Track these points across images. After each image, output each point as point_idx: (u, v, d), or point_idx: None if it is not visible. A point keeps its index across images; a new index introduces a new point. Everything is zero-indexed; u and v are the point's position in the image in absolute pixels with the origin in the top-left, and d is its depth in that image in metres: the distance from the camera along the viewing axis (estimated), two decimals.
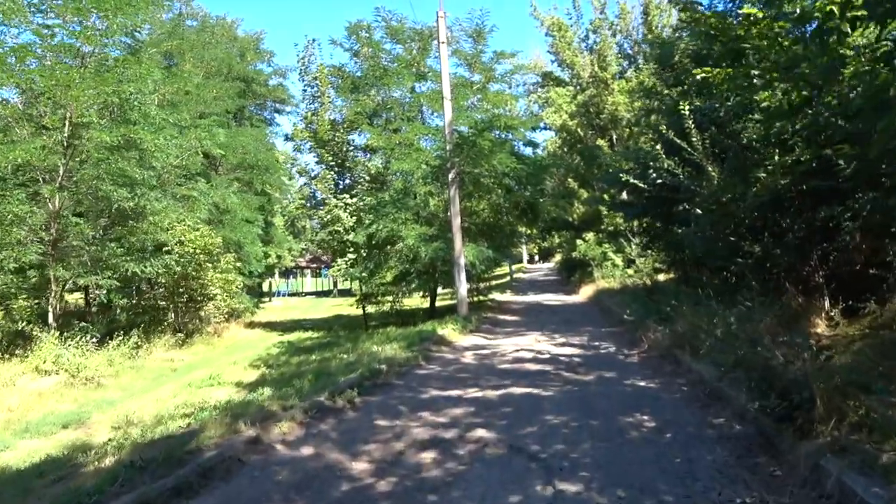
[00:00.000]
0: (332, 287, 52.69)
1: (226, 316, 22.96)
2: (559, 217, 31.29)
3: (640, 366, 8.76)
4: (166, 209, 15.77)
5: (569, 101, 28.93)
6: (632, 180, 10.93)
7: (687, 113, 9.83)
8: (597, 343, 11.46)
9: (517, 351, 11.09)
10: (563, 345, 11.53)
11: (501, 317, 19.13)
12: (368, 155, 20.72)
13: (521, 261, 73.43)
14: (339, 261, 20.07)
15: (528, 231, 31.08)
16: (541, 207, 23.42)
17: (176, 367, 15.28)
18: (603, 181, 16.29)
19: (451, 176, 18.41)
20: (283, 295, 58.15)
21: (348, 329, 21.74)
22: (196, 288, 20.80)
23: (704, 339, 7.27)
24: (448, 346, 12.37)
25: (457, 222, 18.14)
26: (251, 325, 26.63)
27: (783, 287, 9.46)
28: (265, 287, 59.03)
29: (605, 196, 19.15)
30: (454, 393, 7.62)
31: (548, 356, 10.24)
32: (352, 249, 19.62)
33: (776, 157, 8.40)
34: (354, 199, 19.54)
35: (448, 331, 14.21)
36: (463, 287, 18.01)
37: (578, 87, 29.47)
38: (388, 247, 19.25)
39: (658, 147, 10.25)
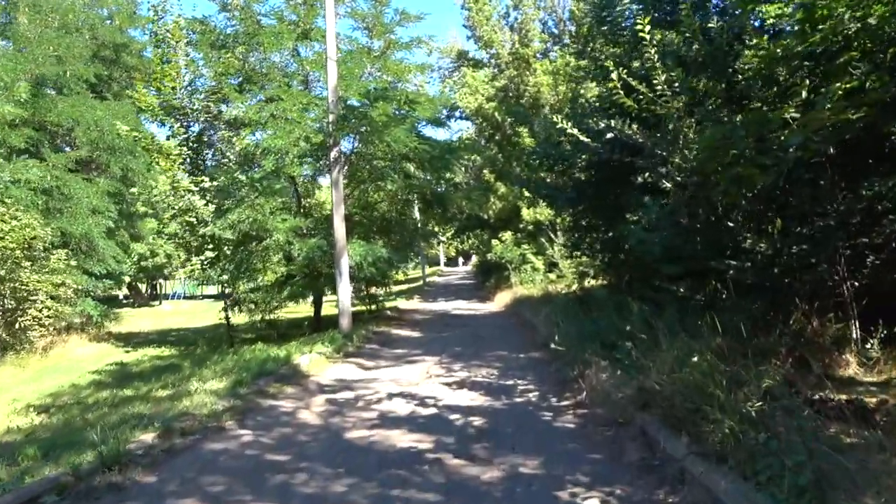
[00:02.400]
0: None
1: (57, 327, 18.24)
2: (473, 214, 27.80)
3: (583, 439, 5.14)
4: None
5: (485, 84, 25.46)
6: (569, 130, 7.29)
7: (647, 37, 6.33)
8: (511, 381, 7.83)
9: (393, 397, 7.33)
10: (462, 384, 7.85)
11: (397, 332, 15.36)
12: (239, 131, 16.52)
13: (437, 263, 70.00)
14: (195, 259, 15.78)
15: (439, 229, 27.51)
16: (450, 200, 19.79)
17: None
18: (529, 157, 12.71)
19: (332, 155, 14.55)
20: (178, 297, 52.47)
21: (215, 344, 17.46)
22: (4, 293, 16.15)
23: (721, 419, 3.68)
24: (297, 386, 8.45)
25: (339, 213, 14.29)
26: (107, 336, 21.73)
27: (791, 305, 6.18)
28: (161, 289, 53.21)
29: (526, 184, 15.78)
30: None
31: (434, 410, 6.51)
32: (211, 246, 15.38)
33: (804, 93, 5.00)
34: (215, 183, 15.29)
35: (312, 356, 10.35)
36: (346, 294, 14.17)
37: (497, 69, 26.10)
38: (255, 243, 15.17)
39: (615, 83, 6.63)
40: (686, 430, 4.05)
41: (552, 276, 21.90)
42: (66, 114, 19.23)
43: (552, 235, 22.12)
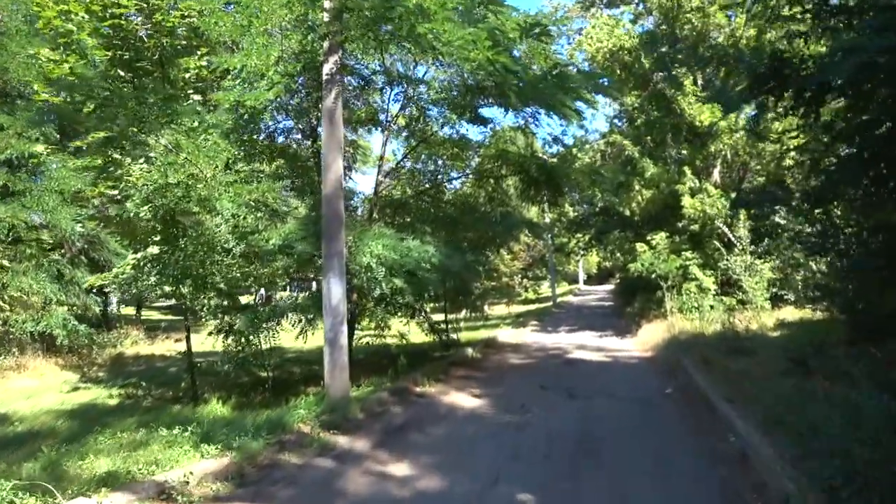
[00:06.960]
0: None
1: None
2: (611, 209, 19.94)
3: None
4: None
5: (623, 29, 17.56)
6: None
7: None
8: None
9: None
10: None
11: (448, 398, 8.34)
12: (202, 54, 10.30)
13: (576, 281, 61.34)
14: (130, 258, 9.76)
15: (563, 231, 20.09)
16: (564, 176, 12.41)
17: None
18: None
19: (325, 70, 7.87)
20: None
21: (195, 390, 10.97)
22: None
23: None
24: None
25: (335, 169, 7.61)
26: (102, 363, 16.03)
27: None
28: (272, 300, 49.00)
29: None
30: None
31: None
32: (159, 238, 9.27)
33: None
34: (164, 140, 9.05)
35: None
36: (337, 322, 7.35)
37: (641, 7, 18.38)
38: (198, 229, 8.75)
39: None
40: None
41: (729, 300, 13.97)
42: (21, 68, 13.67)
43: (731, 235, 14.17)
